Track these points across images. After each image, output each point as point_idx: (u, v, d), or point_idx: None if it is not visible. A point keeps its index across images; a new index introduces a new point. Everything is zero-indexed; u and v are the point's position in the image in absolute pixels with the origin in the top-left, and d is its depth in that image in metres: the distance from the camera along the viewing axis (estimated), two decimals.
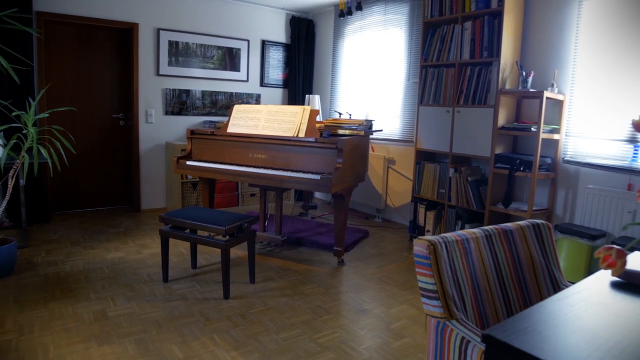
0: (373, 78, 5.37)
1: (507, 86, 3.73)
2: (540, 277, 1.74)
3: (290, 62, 6.16)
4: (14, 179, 3.39)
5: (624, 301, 1.21)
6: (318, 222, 5.01)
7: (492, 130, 3.71)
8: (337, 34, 5.82)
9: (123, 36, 5.06)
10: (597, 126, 3.41)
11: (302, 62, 6.18)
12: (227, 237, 3.04)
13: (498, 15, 3.63)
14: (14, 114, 3.21)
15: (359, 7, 4.06)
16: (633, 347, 0.94)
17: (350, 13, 4.18)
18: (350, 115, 5.00)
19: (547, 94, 3.40)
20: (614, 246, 1.00)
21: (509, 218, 4.01)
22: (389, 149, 5.23)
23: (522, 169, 3.55)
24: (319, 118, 5.46)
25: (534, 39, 3.76)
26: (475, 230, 1.67)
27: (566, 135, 3.61)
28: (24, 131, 3.32)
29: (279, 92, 6.24)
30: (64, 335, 2.45)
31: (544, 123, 3.65)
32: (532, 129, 3.48)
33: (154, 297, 3.01)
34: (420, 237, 1.52)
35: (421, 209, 4.39)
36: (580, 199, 3.52)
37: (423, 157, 4.46)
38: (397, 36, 5.01)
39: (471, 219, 3.99)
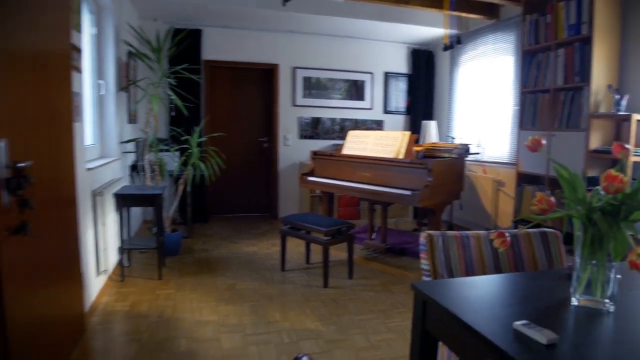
0: (485, 104, 5.66)
1: (602, 110, 3.81)
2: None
3: (411, 91, 6.75)
4: (183, 186, 4.64)
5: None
6: None
7: (584, 153, 3.82)
8: (453, 63, 6.25)
9: (266, 75, 6.27)
10: None
11: (423, 90, 6.71)
12: (328, 238, 3.78)
13: (588, 42, 3.78)
14: (183, 138, 4.45)
15: (459, 41, 4.54)
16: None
17: (452, 47, 4.67)
18: (462, 140, 5.39)
19: (636, 116, 3.45)
20: (503, 231, 1.44)
21: None
22: (498, 172, 5.45)
23: None
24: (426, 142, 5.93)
25: (632, 63, 3.79)
26: (480, 232, 2.13)
27: None
28: (190, 151, 4.55)
29: (401, 119, 6.86)
30: (204, 296, 3.44)
31: None
32: None
33: (271, 280, 3.88)
34: (425, 231, 2.05)
35: (521, 229, 4.57)
36: None
37: (525, 179, 4.64)
38: (505, 64, 5.27)
39: (566, 241, 4.07)
